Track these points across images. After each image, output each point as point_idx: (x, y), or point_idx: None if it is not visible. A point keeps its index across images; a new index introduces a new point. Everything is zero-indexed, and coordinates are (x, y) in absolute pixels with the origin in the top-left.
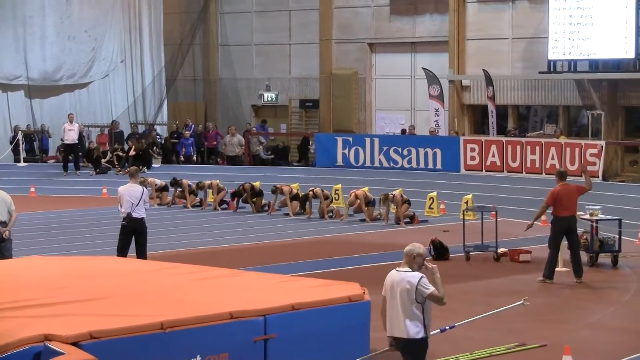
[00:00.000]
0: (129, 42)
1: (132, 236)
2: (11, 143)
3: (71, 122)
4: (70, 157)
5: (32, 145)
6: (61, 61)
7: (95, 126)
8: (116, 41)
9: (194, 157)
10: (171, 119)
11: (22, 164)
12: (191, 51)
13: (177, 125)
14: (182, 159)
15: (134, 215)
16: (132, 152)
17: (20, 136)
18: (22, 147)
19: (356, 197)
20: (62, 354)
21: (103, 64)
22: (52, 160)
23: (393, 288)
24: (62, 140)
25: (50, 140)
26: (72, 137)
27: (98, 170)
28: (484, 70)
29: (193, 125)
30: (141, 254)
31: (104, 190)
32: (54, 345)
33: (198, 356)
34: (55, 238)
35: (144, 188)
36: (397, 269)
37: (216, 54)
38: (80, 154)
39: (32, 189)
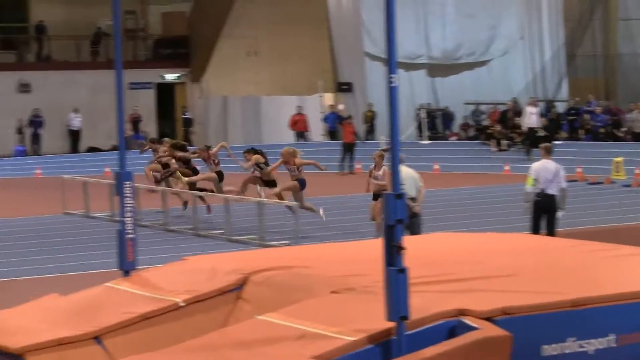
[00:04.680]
0: (528, 20)
1: (544, 213)
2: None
3: (533, 105)
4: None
5: (433, 123)
6: (460, 40)
7: (489, 104)
8: (515, 19)
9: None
10: (571, 95)
11: (425, 141)
12: (590, 26)
13: (576, 102)
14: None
15: (548, 191)
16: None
17: (423, 114)
18: (424, 125)
19: None
20: (476, 329)
21: (502, 42)
22: (454, 138)
23: None
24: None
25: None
26: (533, 120)
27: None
28: None
29: (594, 102)
30: (551, 230)
31: (506, 167)
32: (468, 320)
33: (612, 334)
34: (460, 215)
35: (559, 165)
36: None
37: (616, 28)
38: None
39: (436, 166)
